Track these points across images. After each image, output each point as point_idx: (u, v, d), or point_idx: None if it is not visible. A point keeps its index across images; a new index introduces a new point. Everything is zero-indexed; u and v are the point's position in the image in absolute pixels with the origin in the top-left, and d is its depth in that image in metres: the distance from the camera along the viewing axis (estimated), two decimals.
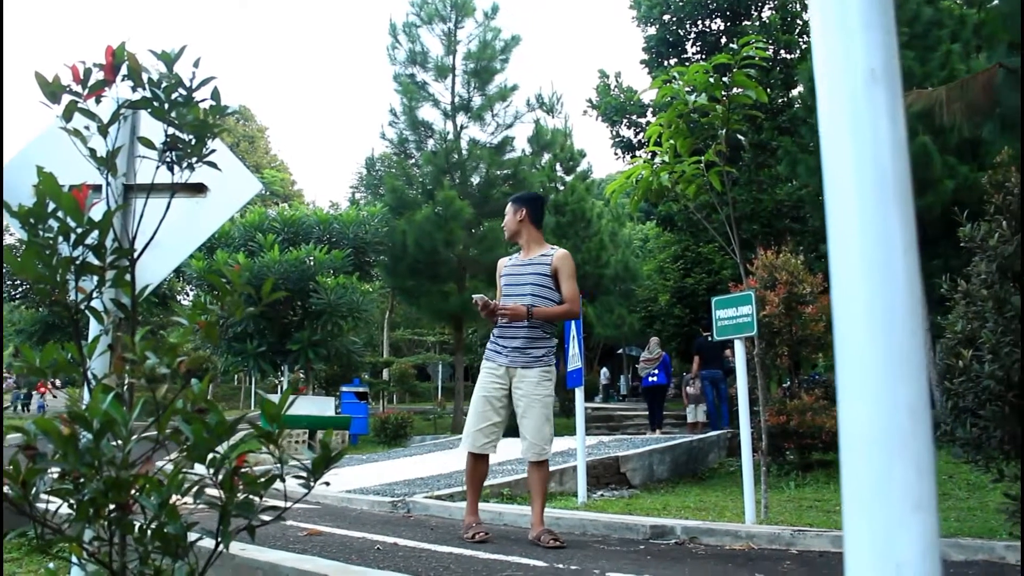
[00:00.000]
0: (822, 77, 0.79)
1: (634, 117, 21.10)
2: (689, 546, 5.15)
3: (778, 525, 5.45)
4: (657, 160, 6.40)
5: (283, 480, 1.72)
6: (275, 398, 1.71)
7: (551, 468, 4.93)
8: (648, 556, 4.68)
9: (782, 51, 18.82)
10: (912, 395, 0.72)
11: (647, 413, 17.27)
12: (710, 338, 15.24)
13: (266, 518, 1.73)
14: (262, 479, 1.70)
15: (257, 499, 1.70)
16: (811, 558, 4.61)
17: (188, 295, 26.18)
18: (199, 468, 1.70)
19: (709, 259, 24.58)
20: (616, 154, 21.71)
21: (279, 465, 1.71)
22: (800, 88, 17.02)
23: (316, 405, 15.10)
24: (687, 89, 6.10)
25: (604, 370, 33.29)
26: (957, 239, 5.16)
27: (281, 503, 1.72)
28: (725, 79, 6.02)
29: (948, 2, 14.22)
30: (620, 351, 34.45)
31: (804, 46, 18.55)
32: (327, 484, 1.75)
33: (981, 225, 5.05)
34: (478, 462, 5.26)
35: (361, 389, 19.57)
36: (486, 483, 8.06)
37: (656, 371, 15.78)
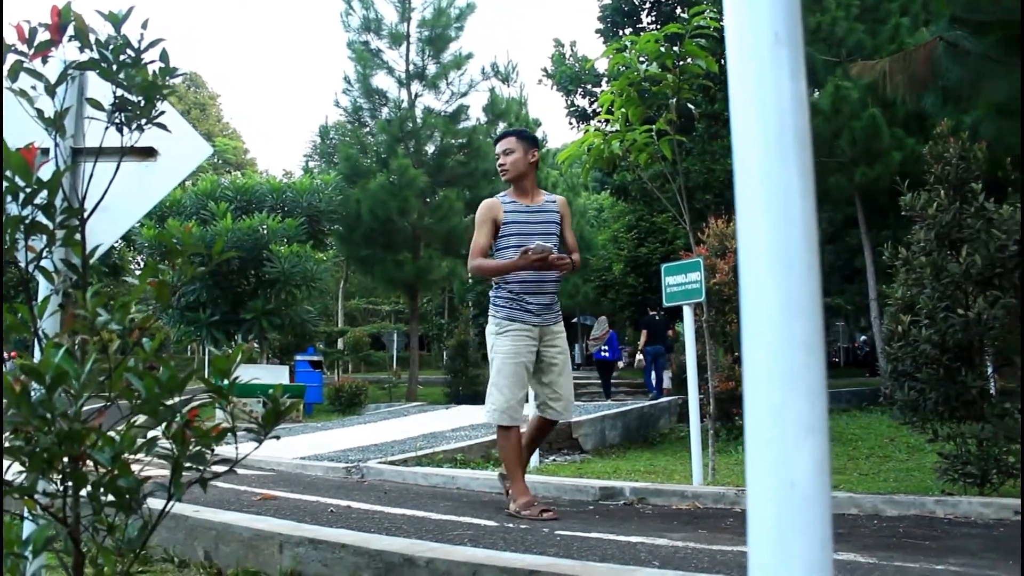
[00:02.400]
0: (731, 39, 0.86)
1: (589, 86, 21.04)
2: (637, 506, 5.27)
3: (724, 486, 5.60)
4: (609, 128, 6.47)
5: (235, 435, 1.76)
6: None
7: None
8: (597, 516, 4.79)
9: None
10: (807, 332, 0.79)
11: (600, 383, 17.93)
12: (656, 316, 15.84)
13: (218, 470, 1.77)
14: (213, 433, 1.73)
15: (208, 451, 1.74)
16: None
17: (139, 265, 25.82)
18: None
19: (663, 229, 24.74)
20: (571, 123, 21.62)
21: (230, 420, 1.74)
22: None
23: (270, 374, 15.06)
24: (640, 58, 6.16)
25: None
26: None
27: (233, 462, 1.76)
28: (676, 48, 6.08)
29: None
30: (575, 320, 34.65)
31: None
32: (277, 438, 1.79)
33: (921, 194, 5.21)
34: (513, 433, 4.76)
35: (315, 358, 19.54)
36: (437, 448, 8.14)
37: (606, 347, 16.57)
